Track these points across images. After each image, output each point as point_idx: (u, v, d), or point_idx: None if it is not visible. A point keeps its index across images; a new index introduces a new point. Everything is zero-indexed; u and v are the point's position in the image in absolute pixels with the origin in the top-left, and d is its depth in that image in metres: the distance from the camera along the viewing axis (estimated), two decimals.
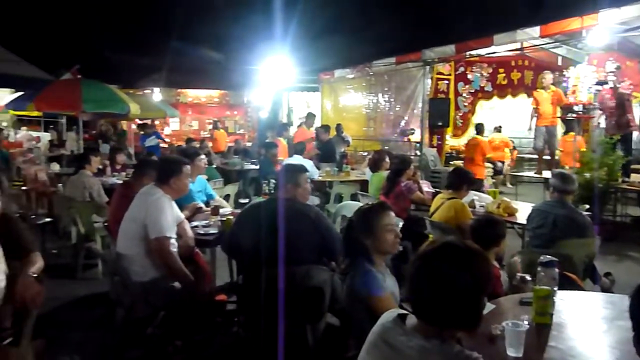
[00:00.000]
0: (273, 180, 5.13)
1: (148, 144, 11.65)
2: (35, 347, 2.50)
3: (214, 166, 8.47)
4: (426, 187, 5.92)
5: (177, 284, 3.29)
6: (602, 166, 6.94)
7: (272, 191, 5.07)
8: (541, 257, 2.34)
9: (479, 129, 9.49)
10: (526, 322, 1.95)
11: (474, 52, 9.58)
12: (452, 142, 11.54)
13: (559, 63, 9.99)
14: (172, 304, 3.30)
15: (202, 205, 4.54)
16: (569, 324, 2.24)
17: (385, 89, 11.94)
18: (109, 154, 8.53)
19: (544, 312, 2.20)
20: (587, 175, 6.90)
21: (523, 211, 4.65)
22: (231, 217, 3.88)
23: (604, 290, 3.68)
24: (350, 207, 5.08)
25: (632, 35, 7.77)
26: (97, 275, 5.16)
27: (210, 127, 17.00)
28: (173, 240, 3.30)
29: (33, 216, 5.20)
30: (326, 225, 3.17)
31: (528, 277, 2.59)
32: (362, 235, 2.45)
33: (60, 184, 6.68)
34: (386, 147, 10.03)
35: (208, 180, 5.52)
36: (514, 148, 12.85)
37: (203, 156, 5.16)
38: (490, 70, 10.92)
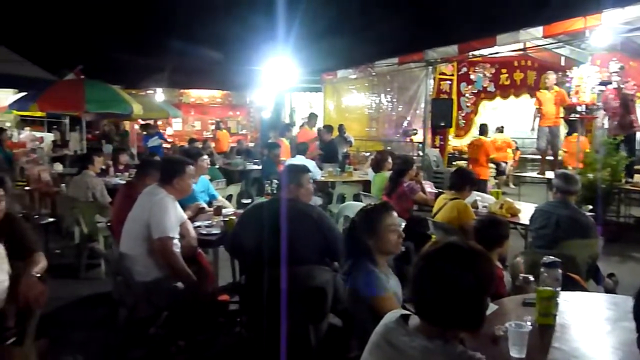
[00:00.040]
0: (275, 181, 5.13)
1: (151, 144, 11.67)
2: (38, 346, 2.51)
3: (217, 166, 8.48)
4: (429, 187, 5.91)
5: (179, 284, 3.29)
6: (606, 167, 6.92)
7: (275, 191, 5.07)
8: (544, 258, 2.33)
9: (483, 129, 9.48)
10: (529, 323, 1.94)
11: (476, 53, 9.57)
12: (455, 142, 11.53)
13: (562, 63, 9.98)
14: (175, 304, 3.30)
15: (204, 205, 4.55)
16: (572, 325, 2.24)
17: (388, 89, 11.93)
18: (111, 154, 8.55)
19: (547, 313, 2.19)
20: (590, 175, 6.88)
21: (526, 212, 4.64)
22: (234, 217, 3.88)
23: (608, 291, 3.67)
24: (352, 207, 5.07)
25: (636, 35, 7.76)
26: (100, 275, 5.17)
27: (213, 127, 17.03)
28: (176, 241, 3.31)
29: (36, 216, 5.21)
30: (329, 226, 3.17)
31: (531, 278, 2.58)
32: (365, 236, 2.45)
33: (63, 184, 6.69)
34: (389, 148, 10.01)
35: (211, 180, 5.52)
36: (517, 148, 12.82)
37: (206, 156, 5.16)
38: (493, 71, 10.91)
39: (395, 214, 2.56)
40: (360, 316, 2.35)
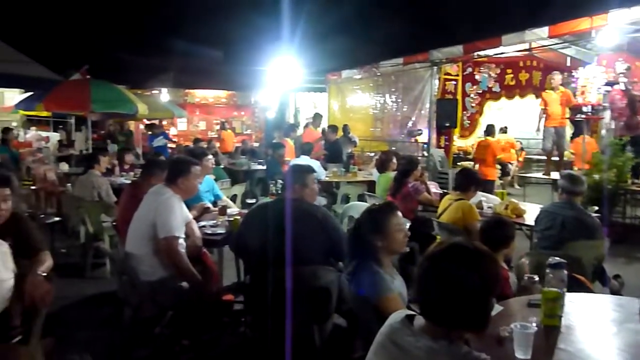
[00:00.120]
0: (280, 181, 5.14)
1: (156, 144, 11.70)
2: (44, 345, 2.52)
3: (222, 166, 8.50)
4: (433, 188, 5.90)
5: (184, 284, 3.30)
6: (612, 167, 6.89)
7: (279, 191, 5.08)
8: (550, 259, 2.33)
9: (489, 130, 9.44)
10: (535, 324, 1.94)
11: (481, 53, 9.54)
12: (460, 143, 11.50)
13: (568, 64, 9.92)
14: (180, 304, 3.31)
15: (209, 205, 4.56)
16: (577, 326, 2.23)
17: (393, 89, 11.91)
18: (117, 154, 8.58)
19: (552, 314, 2.18)
20: (596, 176, 6.85)
21: (531, 212, 4.63)
22: (238, 217, 3.89)
23: (613, 292, 3.65)
24: (357, 207, 5.07)
25: None
26: (106, 274, 5.19)
27: (218, 127, 17.05)
28: (181, 240, 3.31)
29: (42, 215, 5.24)
30: (333, 226, 3.17)
31: (536, 278, 2.58)
32: (373, 236, 2.45)
33: (69, 184, 6.72)
34: (393, 148, 10.01)
35: (215, 180, 5.53)
36: (522, 149, 12.79)
37: (210, 156, 5.18)
38: (498, 71, 10.87)
39: (400, 213, 2.57)
40: (365, 316, 2.35)
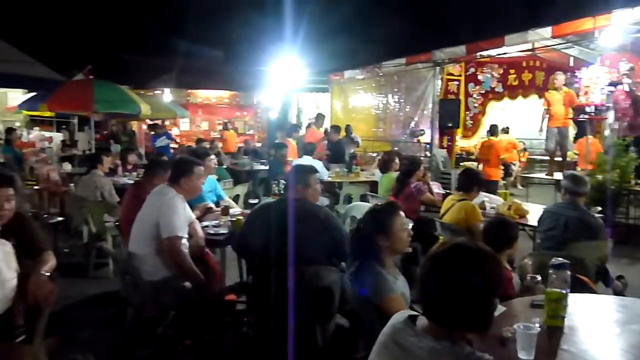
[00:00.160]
0: (282, 181, 5.14)
1: (158, 145, 11.73)
2: (47, 344, 2.52)
3: (224, 166, 8.51)
4: (436, 188, 5.89)
5: (187, 284, 3.30)
6: (615, 168, 6.87)
7: (282, 192, 5.08)
8: (553, 260, 2.32)
9: (493, 130, 9.43)
10: (538, 325, 1.94)
11: (484, 53, 9.53)
12: (462, 143, 11.49)
13: (571, 64, 9.91)
14: (182, 304, 3.32)
15: (212, 205, 4.57)
16: (580, 327, 2.22)
17: (395, 89, 11.91)
18: (120, 154, 8.59)
19: (555, 315, 2.18)
20: (600, 177, 6.83)
21: (534, 213, 4.62)
22: (241, 217, 3.89)
23: (617, 293, 3.65)
24: (359, 208, 5.07)
25: None
26: (108, 274, 5.20)
27: (220, 127, 17.07)
28: (184, 240, 3.32)
29: (45, 215, 5.25)
30: (336, 226, 3.17)
31: (538, 277, 2.58)
32: (377, 236, 2.45)
33: (72, 184, 6.73)
34: (396, 148, 10.00)
35: (218, 180, 5.54)
36: (525, 149, 12.76)
37: (213, 156, 5.18)
38: (501, 71, 10.86)
39: (403, 213, 2.57)
40: (367, 317, 2.35)
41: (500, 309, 2.24)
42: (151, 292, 3.28)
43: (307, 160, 7.32)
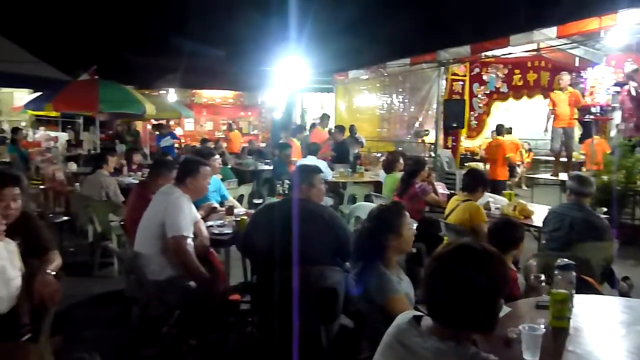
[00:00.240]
0: (287, 181, 5.14)
1: (163, 144, 11.75)
2: (53, 343, 2.54)
3: (229, 166, 8.52)
4: (441, 189, 5.88)
5: (192, 283, 3.31)
6: (621, 169, 6.84)
7: (286, 192, 5.08)
8: (558, 261, 2.32)
9: (500, 129, 9.39)
10: (543, 326, 1.93)
11: (489, 53, 9.50)
12: (467, 143, 11.46)
13: (577, 64, 9.87)
14: (187, 303, 3.32)
15: (216, 205, 4.57)
16: (586, 328, 2.21)
17: (400, 89, 11.88)
18: (125, 154, 8.62)
19: (561, 316, 2.17)
20: (605, 177, 6.80)
21: (539, 214, 4.60)
22: (245, 217, 3.90)
23: (622, 294, 3.63)
24: (363, 208, 5.07)
25: None
26: (113, 273, 5.21)
27: (225, 127, 17.10)
28: (190, 240, 3.33)
29: (51, 214, 5.28)
30: (340, 226, 3.17)
31: (542, 277, 2.57)
32: (385, 236, 2.45)
33: (77, 183, 6.76)
34: (400, 149, 9.99)
35: (222, 180, 5.55)
36: (530, 150, 12.71)
37: (217, 156, 5.20)
38: (506, 71, 10.82)
39: (407, 213, 2.57)
40: (372, 317, 2.35)
41: (505, 309, 2.23)
42: (156, 291, 3.29)
43: (311, 160, 7.32)
